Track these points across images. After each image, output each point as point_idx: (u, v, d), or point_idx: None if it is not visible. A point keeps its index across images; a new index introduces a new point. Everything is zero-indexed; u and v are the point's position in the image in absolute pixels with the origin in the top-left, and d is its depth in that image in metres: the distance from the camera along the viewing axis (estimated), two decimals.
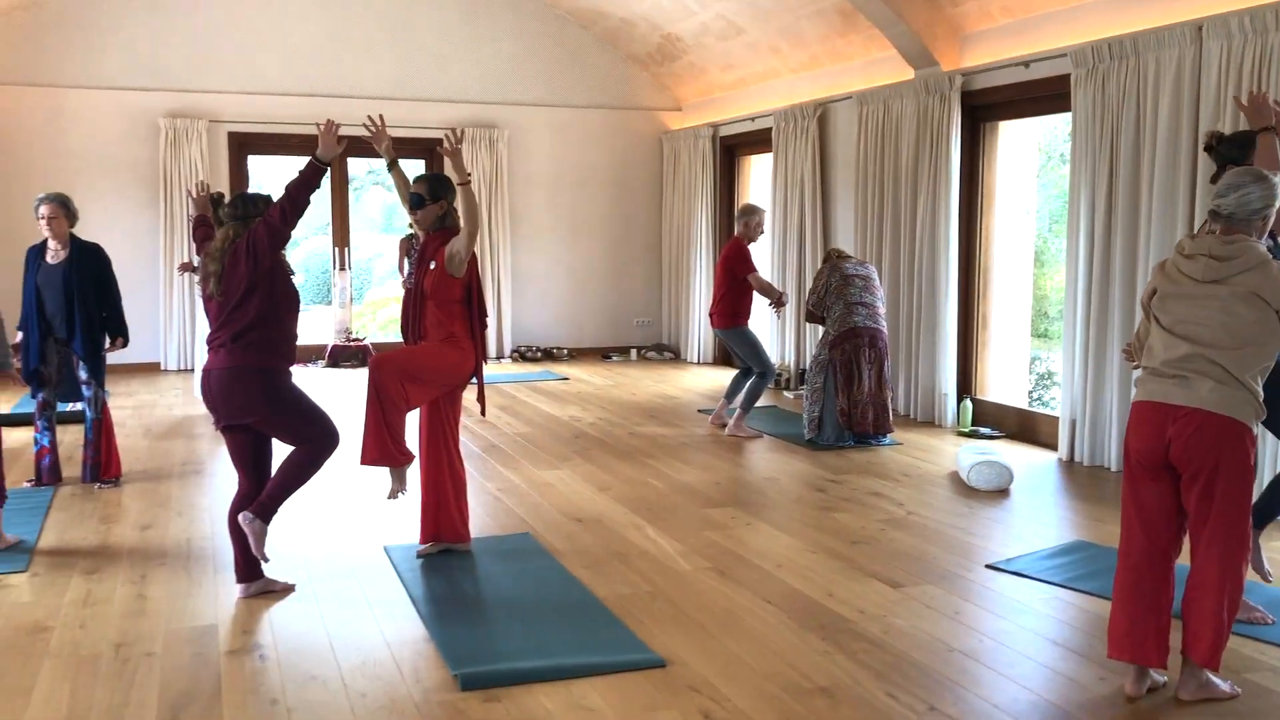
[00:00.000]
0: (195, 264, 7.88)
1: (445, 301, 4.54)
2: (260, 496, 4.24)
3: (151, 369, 10.69)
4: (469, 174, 4.54)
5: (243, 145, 11.06)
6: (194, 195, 5.05)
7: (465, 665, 3.60)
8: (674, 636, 3.91)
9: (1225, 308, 3.30)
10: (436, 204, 4.62)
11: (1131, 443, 3.45)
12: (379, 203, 21.88)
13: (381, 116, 4.89)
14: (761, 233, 7.61)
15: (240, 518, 4.21)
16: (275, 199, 4.17)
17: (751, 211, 7.60)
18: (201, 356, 9.99)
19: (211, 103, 10.77)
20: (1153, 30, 6.10)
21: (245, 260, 4.05)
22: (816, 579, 4.53)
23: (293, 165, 14.96)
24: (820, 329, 7.55)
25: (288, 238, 4.17)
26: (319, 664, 3.68)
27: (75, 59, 10.40)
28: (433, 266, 4.55)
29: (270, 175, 14.00)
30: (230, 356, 4.10)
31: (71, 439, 6.98)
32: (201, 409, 8.41)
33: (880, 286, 7.40)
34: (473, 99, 11.43)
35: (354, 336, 11.66)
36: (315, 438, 4.24)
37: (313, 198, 4.18)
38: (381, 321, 17.09)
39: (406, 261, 10.30)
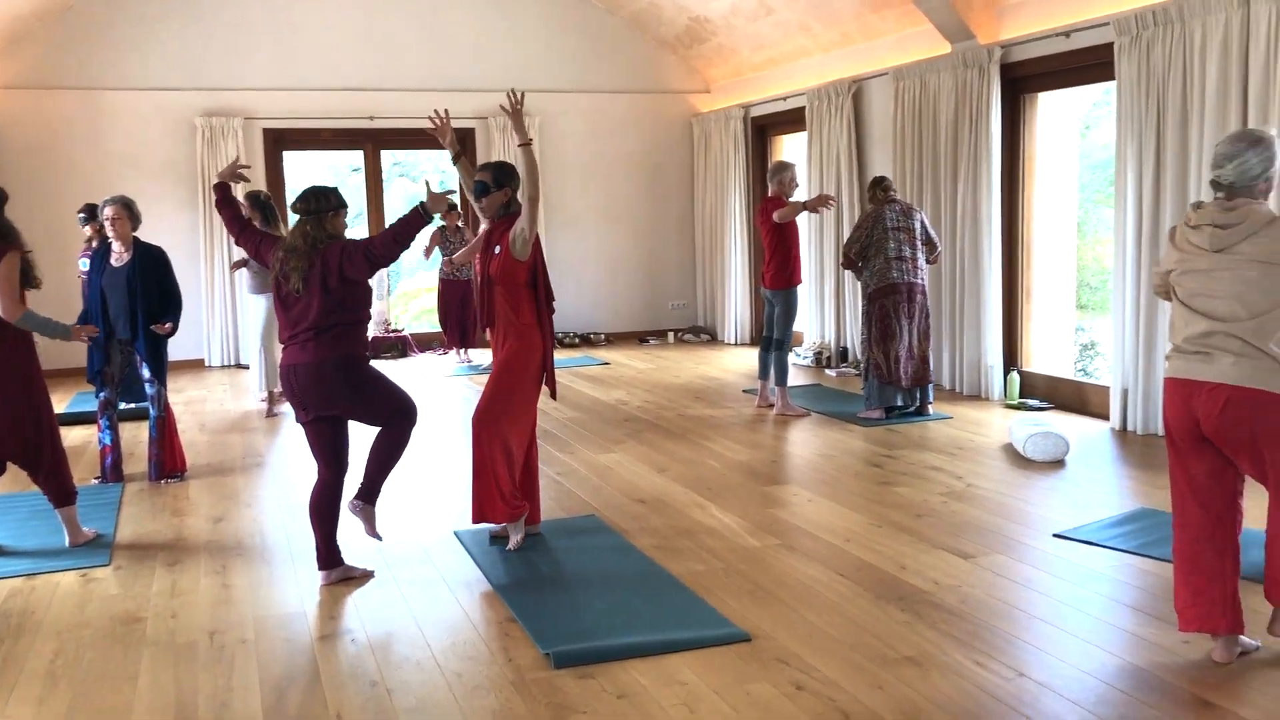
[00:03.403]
0: (247, 260, 8.01)
1: (513, 287, 4.60)
2: (363, 483, 4.46)
3: (196, 365, 10.81)
4: (530, 136, 4.60)
5: (278, 141, 11.14)
6: (232, 171, 4.92)
7: (555, 644, 3.67)
8: (754, 611, 3.97)
9: (1236, 278, 3.29)
10: (500, 191, 4.67)
11: (1169, 417, 3.47)
12: (403, 194, 21.96)
13: (447, 111, 4.94)
14: (796, 186, 7.58)
15: (349, 506, 4.45)
16: (342, 199, 4.32)
17: (783, 168, 7.59)
18: (247, 352, 10.18)
19: (246, 100, 10.85)
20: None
21: (335, 273, 4.17)
22: (886, 552, 4.58)
23: (327, 160, 15.07)
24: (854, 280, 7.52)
25: (384, 267, 4.40)
26: (411, 646, 3.76)
27: (111, 61, 10.50)
28: (497, 252, 4.61)
29: (306, 170, 14.07)
30: (317, 350, 4.18)
31: (129, 436, 7.10)
32: (252, 403, 8.54)
33: (922, 230, 7.29)
34: (503, 87, 11.44)
35: (393, 328, 11.75)
36: (401, 418, 4.39)
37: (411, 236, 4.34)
38: (415, 313, 17.17)
39: (438, 251, 10.38)
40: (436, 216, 10.08)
